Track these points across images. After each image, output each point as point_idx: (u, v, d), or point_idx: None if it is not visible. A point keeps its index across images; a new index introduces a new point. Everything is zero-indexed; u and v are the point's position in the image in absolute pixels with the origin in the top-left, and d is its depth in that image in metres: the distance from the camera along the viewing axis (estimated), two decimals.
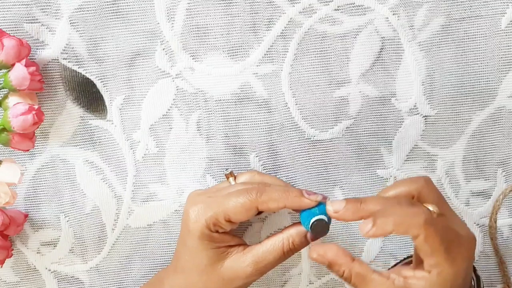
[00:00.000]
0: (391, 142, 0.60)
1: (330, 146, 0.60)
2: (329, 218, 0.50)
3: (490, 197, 0.62)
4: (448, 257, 0.46)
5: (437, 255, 0.46)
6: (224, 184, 0.56)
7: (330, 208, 0.48)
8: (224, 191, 0.53)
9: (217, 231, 0.52)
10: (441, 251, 0.46)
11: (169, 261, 0.57)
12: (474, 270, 0.53)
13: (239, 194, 0.51)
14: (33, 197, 0.59)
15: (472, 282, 0.53)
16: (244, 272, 0.52)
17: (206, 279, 0.52)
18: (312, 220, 0.50)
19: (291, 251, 0.52)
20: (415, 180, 0.49)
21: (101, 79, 0.57)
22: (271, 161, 0.60)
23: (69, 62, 0.56)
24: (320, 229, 0.51)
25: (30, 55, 0.54)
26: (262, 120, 0.59)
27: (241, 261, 0.52)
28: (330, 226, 0.51)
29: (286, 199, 0.50)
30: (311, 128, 0.59)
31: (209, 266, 0.52)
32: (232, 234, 0.54)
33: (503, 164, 0.61)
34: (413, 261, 0.51)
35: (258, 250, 0.52)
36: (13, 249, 0.59)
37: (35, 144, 0.55)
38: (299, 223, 0.53)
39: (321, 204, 0.51)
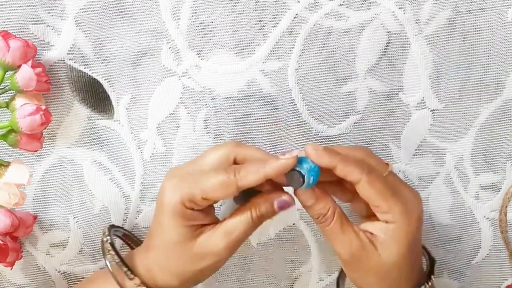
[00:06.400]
0: (399, 137, 0.60)
1: (338, 142, 0.60)
2: (311, 172, 0.49)
3: (499, 190, 0.62)
4: (398, 206, 0.49)
5: (385, 199, 0.48)
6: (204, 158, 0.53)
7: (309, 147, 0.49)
8: (204, 167, 0.51)
9: (192, 208, 0.50)
10: (388, 196, 0.48)
11: None
12: (428, 252, 0.56)
13: (217, 172, 0.49)
14: (42, 198, 0.59)
15: (425, 262, 0.55)
16: (216, 247, 0.50)
17: (177, 257, 0.50)
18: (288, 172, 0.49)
19: (259, 218, 0.50)
20: (356, 151, 0.51)
21: (107, 79, 0.57)
22: None
23: (75, 62, 0.56)
24: (293, 180, 0.49)
25: (36, 56, 0.54)
26: (270, 117, 0.58)
27: (213, 237, 0.50)
28: (306, 182, 0.49)
29: (264, 167, 0.48)
30: (319, 124, 0.59)
31: (180, 244, 0.50)
32: (207, 212, 0.51)
33: None
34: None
35: (227, 223, 0.50)
36: (22, 251, 0.59)
37: (43, 145, 0.55)
38: (266, 191, 0.51)
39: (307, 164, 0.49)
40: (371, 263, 0.50)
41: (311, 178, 0.48)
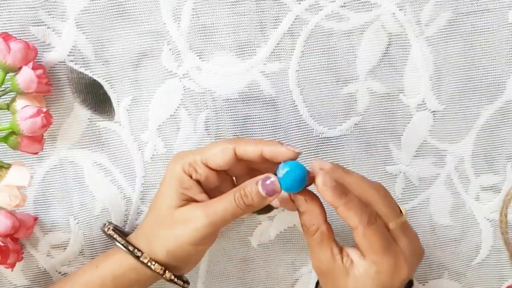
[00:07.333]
0: (399, 138, 0.60)
1: (338, 143, 0.60)
2: (304, 177, 0.49)
3: (500, 191, 0.62)
4: (387, 260, 0.48)
5: (375, 252, 0.48)
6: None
7: (316, 163, 0.49)
8: None
9: (190, 176, 0.51)
10: (379, 250, 0.48)
11: None
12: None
13: (219, 142, 0.51)
14: (43, 200, 0.59)
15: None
16: (194, 218, 0.50)
17: (161, 220, 0.52)
18: (285, 168, 0.48)
19: (242, 199, 0.49)
20: (372, 191, 0.50)
21: (108, 80, 0.57)
22: None
23: (76, 64, 0.56)
24: (276, 170, 0.49)
25: (37, 58, 0.54)
26: (270, 119, 0.58)
27: (194, 208, 0.51)
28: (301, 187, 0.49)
29: (263, 144, 0.49)
30: (319, 125, 0.59)
31: (168, 208, 0.51)
32: (202, 189, 0.52)
33: None
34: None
35: (211, 200, 0.51)
36: (23, 252, 0.59)
37: (44, 147, 0.55)
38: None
39: (301, 166, 0.49)
40: (337, 284, 0.50)
41: (281, 186, 0.48)
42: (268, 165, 0.50)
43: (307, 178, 0.49)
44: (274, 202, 0.53)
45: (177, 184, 0.51)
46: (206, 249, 0.54)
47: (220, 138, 0.59)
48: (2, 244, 0.53)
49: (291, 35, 0.57)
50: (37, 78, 0.51)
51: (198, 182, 0.51)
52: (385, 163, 0.61)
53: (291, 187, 0.49)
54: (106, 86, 0.57)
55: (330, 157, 0.60)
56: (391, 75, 0.58)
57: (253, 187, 0.49)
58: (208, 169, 0.51)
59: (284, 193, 0.50)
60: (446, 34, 0.58)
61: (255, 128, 0.58)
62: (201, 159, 0.50)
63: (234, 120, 0.58)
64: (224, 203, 0.50)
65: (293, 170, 0.48)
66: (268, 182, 0.49)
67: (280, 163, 0.49)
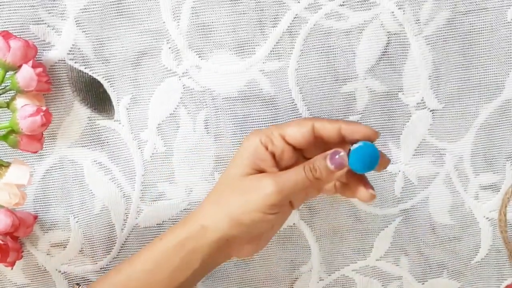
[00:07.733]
0: (398, 137, 0.60)
1: None
2: (375, 158, 0.49)
3: (499, 191, 0.62)
4: None
5: None
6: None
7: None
8: None
9: (266, 148, 0.51)
10: None
11: None
12: None
13: (297, 119, 0.53)
14: (42, 198, 0.59)
15: None
16: (263, 185, 0.50)
17: (229, 187, 0.52)
18: (356, 145, 0.49)
19: (311, 172, 0.50)
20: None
21: (107, 79, 0.57)
22: None
23: (75, 62, 0.56)
24: (360, 156, 0.49)
25: (36, 56, 0.54)
26: (269, 117, 0.59)
27: (264, 177, 0.51)
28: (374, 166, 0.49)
29: (342, 121, 0.50)
30: None
31: (238, 175, 0.51)
32: (275, 164, 0.52)
33: None
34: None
35: (281, 171, 0.51)
36: (23, 251, 0.59)
37: (43, 146, 0.55)
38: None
39: (373, 146, 0.49)
40: None
41: (349, 162, 0.49)
42: (344, 148, 0.50)
43: (379, 162, 0.49)
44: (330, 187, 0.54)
45: (252, 154, 0.51)
46: (273, 223, 0.52)
47: (219, 137, 0.59)
48: (2, 243, 0.53)
49: (290, 34, 0.57)
50: (37, 76, 0.52)
51: (273, 156, 0.52)
52: None
53: (358, 165, 0.49)
54: (106, 85, 0.57)
55: None
56: (390, 74, 0.59)
57: (322, 161, 0.50)
58: (284, 143, 0.51)
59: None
60: (445, 33, 0.58)
61: (254, 127, 0.59)
62: (279, 133, 0.51)
63: (233, 118, 0.58)
64: (294, 174, 0.50)
65: (365, 146, 0.49)
66: (337, 156, 0.49)
67: (355, 143, 0.49)
